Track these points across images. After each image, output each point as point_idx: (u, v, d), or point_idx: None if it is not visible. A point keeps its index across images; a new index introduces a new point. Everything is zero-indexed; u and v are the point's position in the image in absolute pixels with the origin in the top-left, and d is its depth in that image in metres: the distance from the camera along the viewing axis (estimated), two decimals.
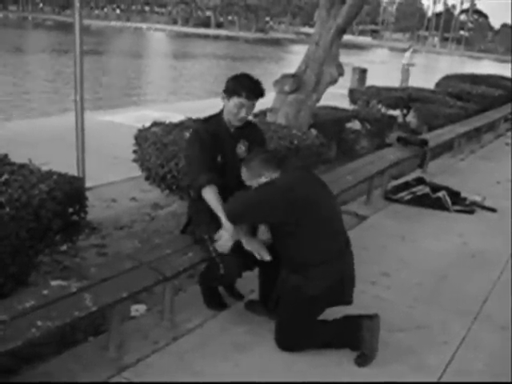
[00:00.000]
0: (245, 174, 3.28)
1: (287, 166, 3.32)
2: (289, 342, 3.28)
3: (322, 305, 3.25)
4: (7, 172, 3.50)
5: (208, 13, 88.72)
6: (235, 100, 3.28)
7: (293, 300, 3.21)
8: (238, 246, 3.29)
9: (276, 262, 3.32)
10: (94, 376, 2.91)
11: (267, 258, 3.22)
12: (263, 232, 3.34)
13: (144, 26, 73.99)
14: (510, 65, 38.21)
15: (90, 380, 2.88)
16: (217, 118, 3.48)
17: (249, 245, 3.27)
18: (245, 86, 3.28)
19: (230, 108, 3.33)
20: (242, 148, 3.49)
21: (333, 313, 3.30)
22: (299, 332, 3.25)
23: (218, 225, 3.31)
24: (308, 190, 3.19)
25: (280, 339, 3.29)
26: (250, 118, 3.72)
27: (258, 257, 3.23)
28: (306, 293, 3.13)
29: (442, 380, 3.16)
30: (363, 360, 3.18)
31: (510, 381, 3.18)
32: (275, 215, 3.10)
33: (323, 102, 7.64)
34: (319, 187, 3.28)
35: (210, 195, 3.28)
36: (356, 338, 3.19)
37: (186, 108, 10.90)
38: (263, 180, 3.19)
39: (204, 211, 3.42)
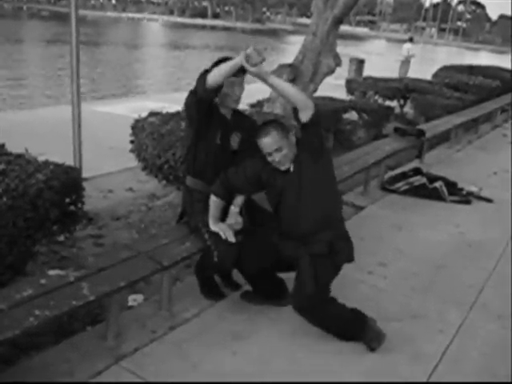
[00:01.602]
0: (275, 138, 3.16)
1: None
2: (305, 302, 3.22)
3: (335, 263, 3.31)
4: (4, 162, 3.49)
5: (204, 3, 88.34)
6: (225, 80, 3.22)
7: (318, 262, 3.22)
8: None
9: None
10: (92, 365, 2.92)
11: (232, 239, 3.26)
12: (232, 216, 3.35)
13: (139, 15, 73.65)
14: (507, 56, 38.14)
15: (88, 370, 2.89)
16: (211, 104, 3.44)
17: (216, 226, 3.32)
18: None
19: (223, 90, 3.28)
20: (235, 139, 3.48)
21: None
22: (317, 295, 3.20)
23: None
24: None
25: (297, 299, 3.24)
26: (244, 107, 3.69)
27: (223, 236, 3.27)
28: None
29: (438, 368, 3.18)
30: (375, 343, 3.26)
31: (509, 381, 3.20)
32: None
33: (320, 93, 7.62)
34: None
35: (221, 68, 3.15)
36: (359, 335, 3.26)
37: (182, 98, 10.84)
38: (292, 138, 3.21)
39: (198, 201, 3.45)
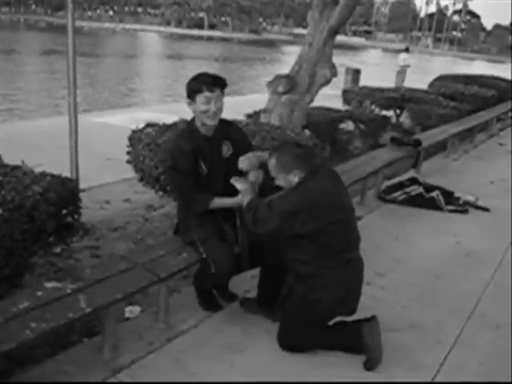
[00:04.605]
0: (273, 165, 3.14)
1: (317, 167, 3.18)
2: (290, 343, 3.29)
3: (326, 313, 3.25)
4: (0, 174, 3.48)
5: (201, 14, 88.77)
6: (200, 98, 3.19)
7: (299, 306, 3.23)
8: (231, 250, 3.37)
9: (279, 264, 3.38)
10: (89, 377, 2.90)
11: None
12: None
13: (137, 26, 73.95)
14: (502, 65, 38.29)
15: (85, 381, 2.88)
16: (189, 128, 3.40)
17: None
18: (202, 81, 3.21)
19: (199, 107, 3.22)
20: (225, 148, 3.45)
21: None
22: (301, 335, 3.27)
23: (205, 228, 3.39)
24: (336, 201, 3.12)
25: (282, 339, 3.30)
26: (240, 117, 3.70)
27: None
28: (312, 300, 3.15)
29: (436, 379, 3.17)
30: (370, 364, 3.18)
31: (510, 381, 3.20)
32: (305, 227, 3.01)
33: (316, 103, 7.65)
34: (344, 193, 3.25)
35: (216, 205, 3.35)
36: (358, 344, 3.19)
37: (179, 109, 10.85)
38: (291, 178, 3.09)
39: (191, 216, 3.45)
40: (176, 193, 3.46)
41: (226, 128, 3.50)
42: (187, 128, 3.43)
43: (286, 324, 3.32)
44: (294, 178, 3.09)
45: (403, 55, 18.74)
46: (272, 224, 3.04)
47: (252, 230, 3.15)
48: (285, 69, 7.76)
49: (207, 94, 3.18)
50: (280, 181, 3.16)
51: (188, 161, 3.28)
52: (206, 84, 3.19)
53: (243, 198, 3.22)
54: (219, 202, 3.36)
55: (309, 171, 3.09)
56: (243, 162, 3.34)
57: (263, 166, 3.34)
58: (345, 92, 11.83)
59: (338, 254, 3.14)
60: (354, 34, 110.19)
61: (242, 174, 3.37)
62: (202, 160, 3.34)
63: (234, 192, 3.33)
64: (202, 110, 3.22)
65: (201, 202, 3.34)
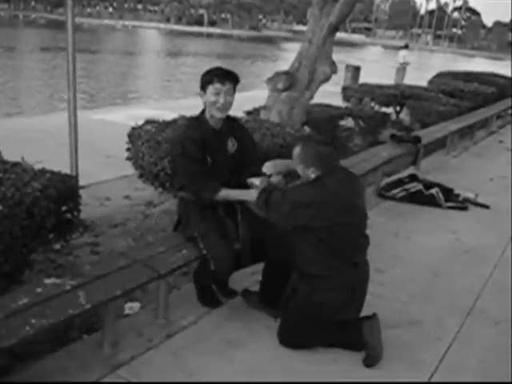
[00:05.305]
0: (296, 155, 3.18)
1: (335, 168, 3.21)
2: (292, 341, 3.30)
3: (330, 314, 3.24)
4: (0, 170, 3.48)
5: (201, 11, 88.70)
6: (210, 89, 3.30)
7: (302, 306, 3.23)
8: (231, 246, 3.36)
9: (283, 262, 3.39)
10: (89, 374, 2.91)
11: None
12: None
13: (136, 23, 73.86)
14: (502, 62, 38.26)
15: (85, 378, 2.88)
16: (199, 119, 3.48)
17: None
18: (215, 73, 3.32)
19: (209, 98, 3.32)
20: (230, 144, 3.51)
21: None
22: (303, 334, 3.28)
23: (206, 223, 3.39)
24: (349, 203, 3.15)
25: (283, 337, 3.31)
26: (240, 114, 3.71)
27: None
28: (316, 302, 3.17)
29: (436, 375, 3.17)
30: (370, 361, 3.18)
31: (509, 380, 3.20)
32: (312, 221, 3.04)
33: (316, 100, 7.64)
34: (359, 197, 3.29)
35: (225, 194, 3.36)
36: (358, 341, 3.20)
37: (178, 106, 10.87)
38: (309, 173, 3.13)
39: (193, 210, 3.47)
40: (185, 179, 3.42)
41: (232, 125, 3.58)
42: (196, 119, 3.51)
43: (288, 322, 3.33)
44: (311, 174, 3.14)
45: (403, 52, 18.72)
46: (282, 210, 3.10)
47: (262, 213, 3.21)
48: (285, 65, 7.74)
49: (217, 85, 3.28)
50: (299, 171, 3.21)
51: (198, 148, 3.34)
52: (217, 76, 3.30)
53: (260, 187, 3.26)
54: (231, 193, 3.38)
55: (326, 170, 3.12)
56: (268, 168, 3.41)
57: (288, 173, 3.38)
58: (344, 89, 11.81)
59: (346, 257, 3.18)
60: (354, 31, 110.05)
61: (244, 170, 3.39)
62: (208, 151, 3.39)
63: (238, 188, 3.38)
64: (211, 100, 3.31)
65: (211, 189, 3.34)
